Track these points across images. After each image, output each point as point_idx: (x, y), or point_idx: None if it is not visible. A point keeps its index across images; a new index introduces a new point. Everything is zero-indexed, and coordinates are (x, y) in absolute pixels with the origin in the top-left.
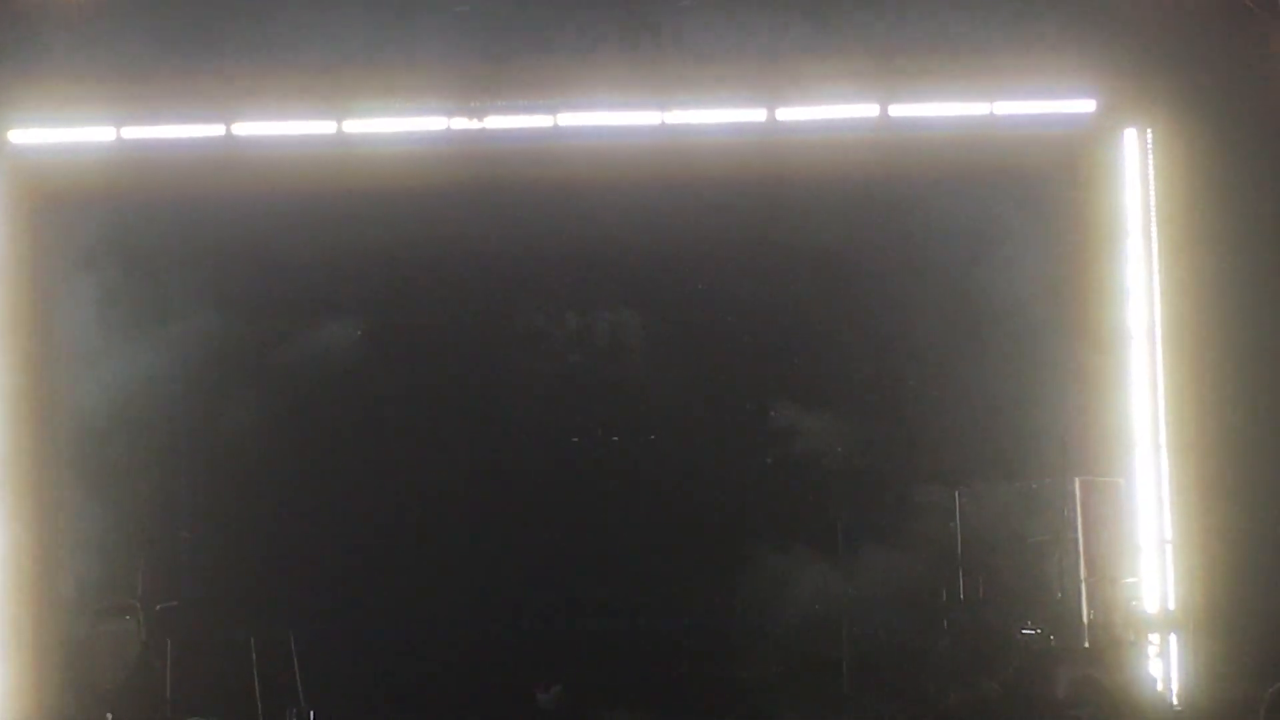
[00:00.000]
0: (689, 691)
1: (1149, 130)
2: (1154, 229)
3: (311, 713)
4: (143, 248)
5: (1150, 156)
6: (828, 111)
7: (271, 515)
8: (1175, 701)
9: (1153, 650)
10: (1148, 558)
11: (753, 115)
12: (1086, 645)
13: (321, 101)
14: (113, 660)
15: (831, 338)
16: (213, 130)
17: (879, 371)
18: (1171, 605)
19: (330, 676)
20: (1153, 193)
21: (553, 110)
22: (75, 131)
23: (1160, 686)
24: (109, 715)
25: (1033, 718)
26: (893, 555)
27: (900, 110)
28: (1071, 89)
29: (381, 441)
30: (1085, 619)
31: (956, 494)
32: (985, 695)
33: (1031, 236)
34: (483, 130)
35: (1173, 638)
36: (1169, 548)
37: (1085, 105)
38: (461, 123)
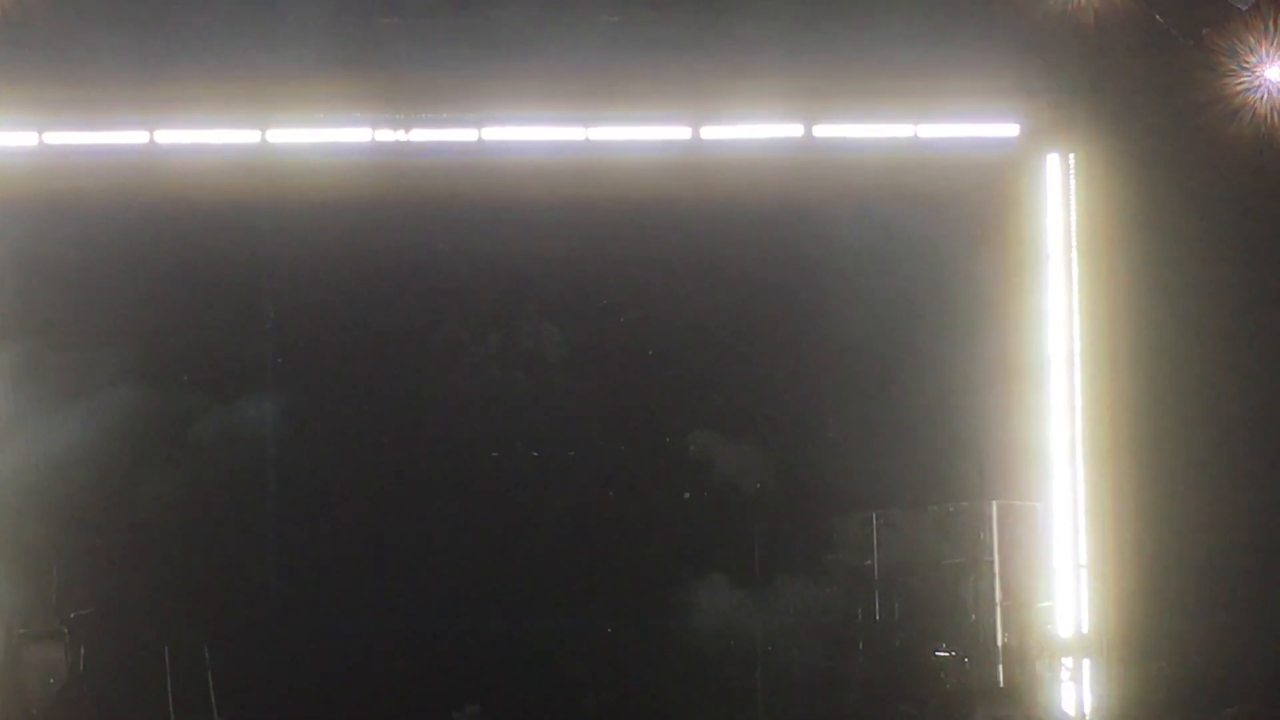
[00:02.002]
0: (602, 712)
1: (1071, 156)
2: (1075, 254)
3: None
4: (62, 255)
5: (1072, 182)
6: (752, 130)
7: (188, 526)
8: None
9: (1066, 675)
10: (1063, 582)
11: (677, 133)
12: (1000, 668)
13: (246, 110)
14: (40, 683)
15: (751, 361)
16: (136, 137)
17: (797, 396)
18: (1085, 629)
19: (244, 689)
20: (1074, 218)
21: (477, 124)
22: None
23: (1074, 715)
24: None
25: None
26: (810, 580)
27: (825, 131)
28: (995, 114)
29: (301, 449)
30: (1000, 642)
31: (874, 517)
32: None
33: (953, 260)
34: (407, 143)
35: (1086, 662)
36: (1084, 572)
37: (1008, 130)
38: (386, 134)
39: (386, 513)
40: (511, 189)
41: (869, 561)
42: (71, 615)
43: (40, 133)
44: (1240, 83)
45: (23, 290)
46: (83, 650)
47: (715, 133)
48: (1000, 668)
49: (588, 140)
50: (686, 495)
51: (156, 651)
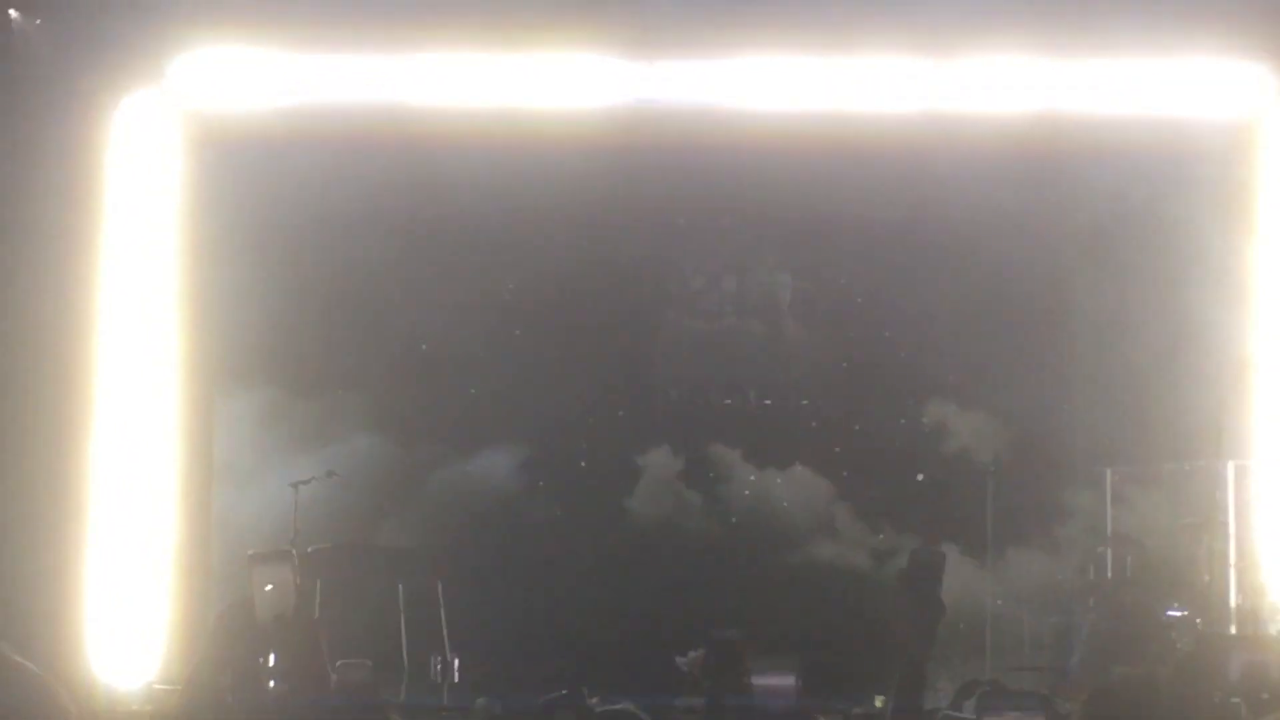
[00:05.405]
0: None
1: None
2: None
3: (456, 660)
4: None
5: None
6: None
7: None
8: None
9: None
10: None
11: (921, 82)
12: (1233, 629)
13: (489, 46)
14: (269, 604)
15: (982, 326)
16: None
17: (1029, 360)
18: None
19: (475, 627)
20: None
21: (721, 68)
22: (246, 64)
23: None
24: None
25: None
26: (1041, 536)
27: (1061, 89)
28: (1241, 63)
29: (534, 388)
30: (1233, 603)
31: (1108, 474)
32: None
33: (1193, 218)
34: (649, 84)
35: None
36: None
37: (1258, 78)
38: (629, 75)
39: (618, 455)
40: (753, 134)
41: (1101, 519)
42: (310, 549)
43: (290, 53)
44: None
45: (265, 334)
46: (319, 582)
47: (958, 81)
48: (1233, 629)
49: (831, 86)
50: (920, 477)
51: (391, 586)
